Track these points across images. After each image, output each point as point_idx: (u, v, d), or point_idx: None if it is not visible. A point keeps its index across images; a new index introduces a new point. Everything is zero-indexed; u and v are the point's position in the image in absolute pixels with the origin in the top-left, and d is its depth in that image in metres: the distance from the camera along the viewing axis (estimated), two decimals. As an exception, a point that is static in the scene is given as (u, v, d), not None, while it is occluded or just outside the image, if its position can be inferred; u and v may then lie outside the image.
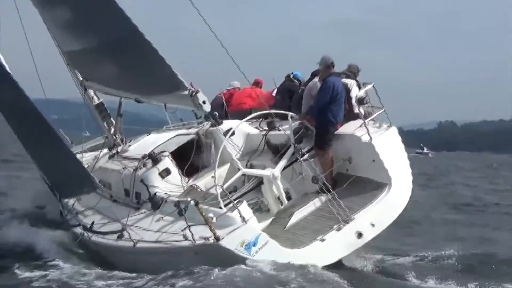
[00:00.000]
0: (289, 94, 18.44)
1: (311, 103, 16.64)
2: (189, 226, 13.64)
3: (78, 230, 17.53)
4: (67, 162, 17.39)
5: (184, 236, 13.83)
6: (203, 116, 18.46)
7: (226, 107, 20.63)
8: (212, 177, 17.50)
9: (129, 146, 20.16)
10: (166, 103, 16.80)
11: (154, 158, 17.15)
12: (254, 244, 13.37)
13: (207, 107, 15.12)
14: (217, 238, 13.29)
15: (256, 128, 18.09)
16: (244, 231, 13.49)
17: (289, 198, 15.42)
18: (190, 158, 17.82)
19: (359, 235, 13.77)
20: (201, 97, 15.06)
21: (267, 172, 15.14)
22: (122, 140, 21.04)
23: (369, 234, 13.88)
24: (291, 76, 18.82)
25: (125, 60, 16.17)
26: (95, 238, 16.64)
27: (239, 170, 15.56)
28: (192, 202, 13.96)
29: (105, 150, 20.97)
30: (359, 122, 15.55)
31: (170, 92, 15.75)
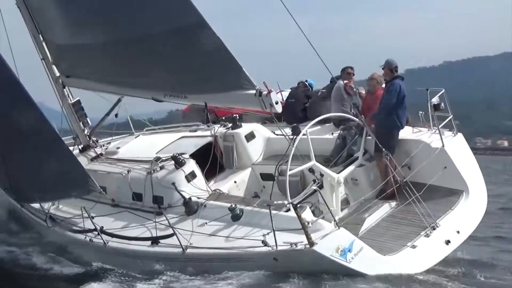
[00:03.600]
0: (305, 99, 18.24)
1: (339, 106, 16.37)
2: (274, 231, 12.84)
3: (83, 236, 16.12)
4: (62, 160, 15.95)
5: (263, 241, 13.00)
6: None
7: (208, 111, 19.83)
8: (235, 182, 16.78)
9: (117, 148, 18.77)
10: (207, 102, 15.71)
11: (178, 161, 16.06)
12: (350, 250, 12.78)
13: (278, 108, 14.37)
14: (311, 244, 12.59)
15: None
16: (338, 237, 12.86)
17: (347, 203, 14.92)
18: (204, 161, 16.83)
19: (447, 242, 13.53)
20: (274, 97, 14.30)
21: (333, 174, 14.54)
22: (96, 142, 19.59)
23: (456, 241, 13.67)
24: (306, 83, 18.57)
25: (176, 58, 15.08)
26: (115, 244, 15.37)
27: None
28: (288, 206, 13.24)
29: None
30: (409, 128, 15.43)
31: (227, 91, 14.86)
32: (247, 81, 14.42)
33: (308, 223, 12.77)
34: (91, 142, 19.51)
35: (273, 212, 13.48)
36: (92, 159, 18.69)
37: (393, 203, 14.49)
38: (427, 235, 13.51)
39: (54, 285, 15.45)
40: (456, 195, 14.32)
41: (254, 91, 14.45)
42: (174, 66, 15.38)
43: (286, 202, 13.57)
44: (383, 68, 15.17)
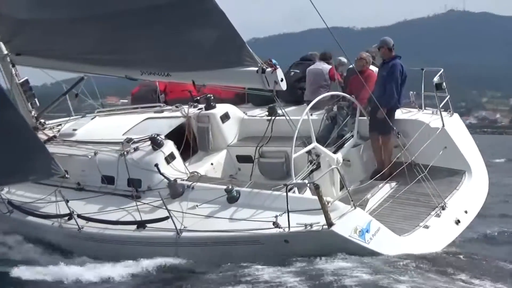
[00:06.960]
0: None
1: (314, 87, 16.01)
2: (288, 212, 12.25)
3: (51, 221, 15.05)
4: (22, 140, 14.77)
5: (275, 223, 12.41)
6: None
7: (160, 93, 19.03)
8: (212, 164, 16.14)
9: (74, 130, 17.59)
10: (194, 80, 14.86)
11: (157, 142, 15.22)
12: (367, 231, 12.38)
13: (283, 85, 13.75)
14: (330, 224, 12.07)
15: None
16: (355, 217, 12.41)
17: (342, 185, 14.51)
18: (176, 143, 16.01)
19: (457, 222, 13.39)
20: (280, 74, 13.67)
21: (332, 154, 14.15)
22: (43, 124, 18.32)
23: (465, 221, 13.59)
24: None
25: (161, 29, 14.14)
26: (92, 229, 14.42)
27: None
28: (310, 186, 12.74)
29: None
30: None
31: (223, 68, 14.10)
32: (249, 57, 13.70)
33: (328, 203, 12.24)
34: (38, 124, 18.18)
35: (278, 193, 13.05)
36: (46, 142, 17.38)
37: (393, 184, 14.25)
38: (437, 215, 13.34)
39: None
40: (459, 175, 14.24)
41: (255, 68, 13.72)
42: (162, 42, 14.42)
43: (306, 181, 13.05)
44: (379, 48, 14.89)
